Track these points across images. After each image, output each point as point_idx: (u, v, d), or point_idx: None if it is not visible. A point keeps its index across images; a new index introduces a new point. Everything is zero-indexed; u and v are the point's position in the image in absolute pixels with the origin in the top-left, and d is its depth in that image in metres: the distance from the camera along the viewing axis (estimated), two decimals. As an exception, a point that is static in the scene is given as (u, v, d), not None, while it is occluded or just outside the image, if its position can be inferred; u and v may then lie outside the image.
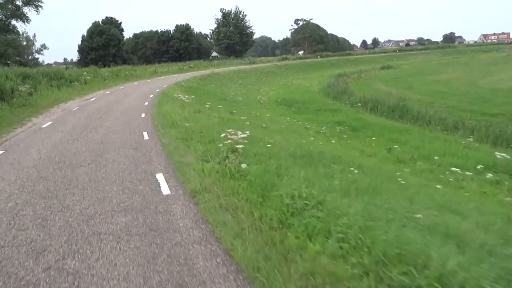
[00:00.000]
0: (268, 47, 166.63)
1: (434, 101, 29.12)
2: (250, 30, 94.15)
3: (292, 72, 56.81)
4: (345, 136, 17.04)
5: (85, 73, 33.43)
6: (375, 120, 22.05)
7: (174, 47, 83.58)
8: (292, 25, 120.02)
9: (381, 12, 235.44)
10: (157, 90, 26.31)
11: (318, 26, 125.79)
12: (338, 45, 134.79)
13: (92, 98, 23.00)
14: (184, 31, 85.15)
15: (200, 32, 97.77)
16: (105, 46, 71.47)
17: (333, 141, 15.34)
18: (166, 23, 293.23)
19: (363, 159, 11.65)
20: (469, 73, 52.41)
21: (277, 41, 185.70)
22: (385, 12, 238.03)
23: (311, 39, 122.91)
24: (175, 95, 21.19)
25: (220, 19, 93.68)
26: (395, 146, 14.65)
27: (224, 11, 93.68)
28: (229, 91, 33.52)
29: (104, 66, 48.62)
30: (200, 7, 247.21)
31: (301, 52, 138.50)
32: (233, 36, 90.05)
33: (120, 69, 42.92)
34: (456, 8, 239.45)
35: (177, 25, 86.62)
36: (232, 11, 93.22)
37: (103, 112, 16.19)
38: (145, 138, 9.92)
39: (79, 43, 74.99)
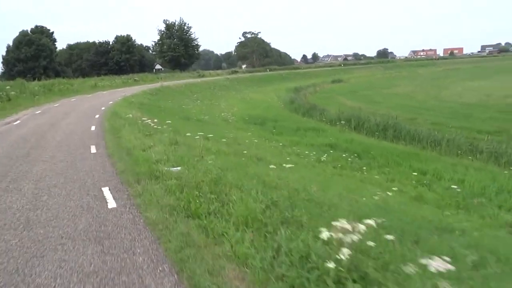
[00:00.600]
0: (211, 60, 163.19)
1: (413, 117, 27.10)
2: (196, 43, 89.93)
3: (245, 86, 53.58)
4: (355, 165, 13.69)
5: (8, 87, 27.24)
6: (370, 141, 19.07)
7: (114, 59, 76.89)
8: (240, 38, 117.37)
9: (319, 27, 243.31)
10: (103, 108, 21.47)
11: (262, 40, 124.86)
12: (280, 59, 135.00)
13: (16, 120, 17.65)
14: (125, 42, 78.86)
15: (142, 44, 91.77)
16: (35, 58, 63.47)
17: (349, 175, 11.91)
18: (104, 35, 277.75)
19: (418, 208, 8.30)
20: (421, 86, 52.74)
21: (219, 55, 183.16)
22: (323, 27, 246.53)
23: (257, 52, 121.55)
24: (130, 115, 16.67)
25: (163, 31, 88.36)
26: (426, 181, 11.57)
27: (167, 22, 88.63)
28: (189, 107, 29.29)
29: (34, 79, 41.74)
30: (140, 19, 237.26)
31: (244, 66, 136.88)
32: (178, 48, 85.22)
33: (53, 83, 36.59)
34: (388, 26, 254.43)
35: (117, 36, 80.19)
36: (176, 23, 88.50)
37: (31, 144, 11.34)
38: (113, 213, 5.32)
39: (3, 53, 66.39)
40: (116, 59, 76.86)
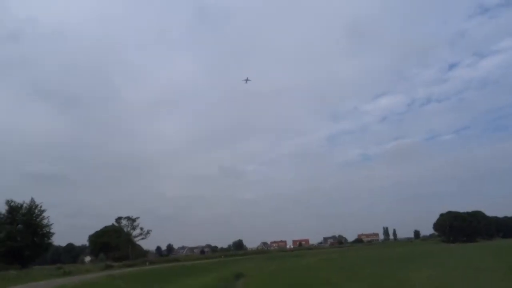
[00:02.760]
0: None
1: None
2: (49, 229, 71.69)
3: (149, 282, 40.28)
4: None
5: None
6: None
7: None
8: (113, 224, 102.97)
9: (166, 220, 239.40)
10: None
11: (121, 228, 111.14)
12: (134, 251, 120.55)
13: None
14: None
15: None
16: None
17: None
18: None
19: None
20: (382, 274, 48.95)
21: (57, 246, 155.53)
22: (172, 220, 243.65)
23: (117, 241, 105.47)
24: None
25: (3, 214, 68.87)
26: None
27: (11, 204, 70.19)
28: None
29: None
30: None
31: (87, 259, 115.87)
32: (22, 237, 65.84)
33: None
34: (239, 220, 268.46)
35: None
36: (25, 205, 70.87)
37: None
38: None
39: None
40: None
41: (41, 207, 71.72)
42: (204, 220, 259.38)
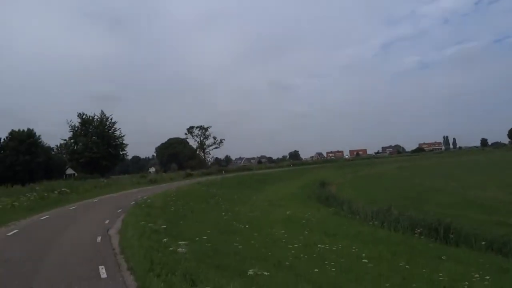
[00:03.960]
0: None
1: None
2: (122, 141, 71.60)
3: (237, 190, 37.92)
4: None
5: None
6: None
7: (6, 162, 54.04)
8: (186, 134, 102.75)
9: (220, 134, 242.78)
10: None
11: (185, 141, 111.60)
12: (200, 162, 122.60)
13: None
14: (24, 139, 57.27)
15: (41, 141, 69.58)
16: None
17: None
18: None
19: None
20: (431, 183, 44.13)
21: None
22: (225, 134, 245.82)
23: (182, 154, 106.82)
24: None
25: (77, 127, 68.92)
26: None
27: (83, 116, 69.81)
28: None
29: None
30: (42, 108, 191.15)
31: (152, 170, 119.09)
32: (98, 148, 65.95)
33: None
34: (292, 133, 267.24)
35: (12, 130, 58.26)
36: (96, 118, 70.22)
37: None
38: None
39: None
40: (10, 161, 54.21)
41: (111, 119, 70.95)
42: (256, 134, 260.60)
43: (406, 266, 11.22)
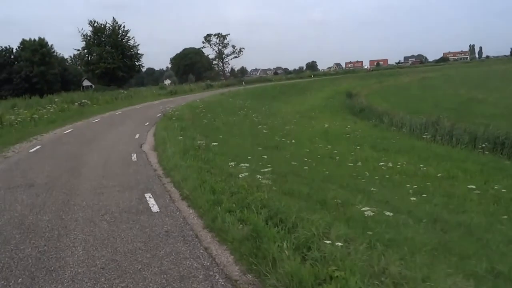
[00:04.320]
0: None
1: None
2: (137, 51, 68.32)
3: (266, 101, 36.28)
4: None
5: None
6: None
7: (21, 73, 52.40)
8: (203, 42, 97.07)
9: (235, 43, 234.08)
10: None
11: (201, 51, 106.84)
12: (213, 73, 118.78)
13: None
14: (37, 49, 54.74)
15: (57, 53, 66.89)
16: None
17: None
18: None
19: None
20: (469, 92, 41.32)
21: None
22: (240, 43, 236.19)
23: (199, 65, 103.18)
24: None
25: (89, 36, 65.32)
26: None
27: (95, 24, 65.70)
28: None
29: None
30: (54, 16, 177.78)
31: (167, 82, 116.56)
32: (113, 58, 63.14)
33: None
34: (313, 41, 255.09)
35: (24, 40, 55.53)
36: (108, 26, 66.09)
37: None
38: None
39: None
40: (25, 73, 52.54)
41: (124, 27, 66.84)
42: (272, 45, 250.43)
43: (495, 187, 9.55)
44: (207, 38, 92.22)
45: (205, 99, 31.66)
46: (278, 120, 24.28)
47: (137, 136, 15.22)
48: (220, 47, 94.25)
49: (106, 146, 13.43)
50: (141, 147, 12.85)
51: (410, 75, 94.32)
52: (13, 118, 19.12)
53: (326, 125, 22.43)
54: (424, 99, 41.03)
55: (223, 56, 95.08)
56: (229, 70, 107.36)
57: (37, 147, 13.80)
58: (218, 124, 18.78)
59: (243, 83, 63.38)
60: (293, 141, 15.85)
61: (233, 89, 47.54)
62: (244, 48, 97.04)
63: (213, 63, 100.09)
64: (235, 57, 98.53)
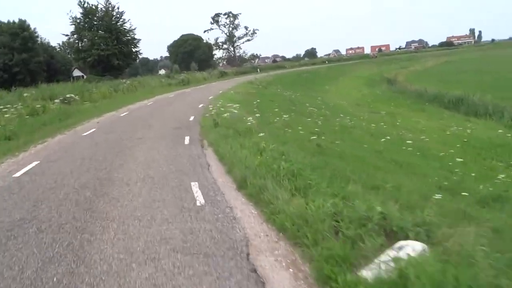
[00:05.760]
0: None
1: None
2: (133, 35, 60.36)
3: (303, 90, 29.36)
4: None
5: None
6: None
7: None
8: (211, 23, 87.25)
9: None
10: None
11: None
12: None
13: None
14: (17, 32, 46.68)
15: (42, 39, 58.66)
16: None
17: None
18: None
19: None
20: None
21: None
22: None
23: (199, 52, 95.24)
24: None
25: (79, 19, 57.12)
26: None
27: (85, 5, 57.33)
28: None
29: None
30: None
31: (162, 72, 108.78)
32: (107, 44, 55.22)
33: None
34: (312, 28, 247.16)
35: (0, 22, 47.36)
36: (100, 7, 57.86)
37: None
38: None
39: None
40: (4, 61, 44.64)
41: (118, 8, 58.76)
42: (267, 32, 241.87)
43: None
44: (215, 18, 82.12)
45: (236, 89, 24.43)
46: (349, 117, 17.27)
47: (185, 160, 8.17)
48: (230, 28, 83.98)
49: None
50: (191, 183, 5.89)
51: (430, 60, 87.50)
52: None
53: (422, 124, 15.42)
54: (485, 82, 34.06)
55: (234, 39, 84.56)
56: (241, 55, 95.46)
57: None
58: (293, 124, 11.73)
59: (258, 70, 56.06)
60: (418, 153, 9.06)
61: (249, 77, 40.35)
62: (258, 30, 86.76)
63: (223, 47, 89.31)
64: (248, 40, 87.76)
